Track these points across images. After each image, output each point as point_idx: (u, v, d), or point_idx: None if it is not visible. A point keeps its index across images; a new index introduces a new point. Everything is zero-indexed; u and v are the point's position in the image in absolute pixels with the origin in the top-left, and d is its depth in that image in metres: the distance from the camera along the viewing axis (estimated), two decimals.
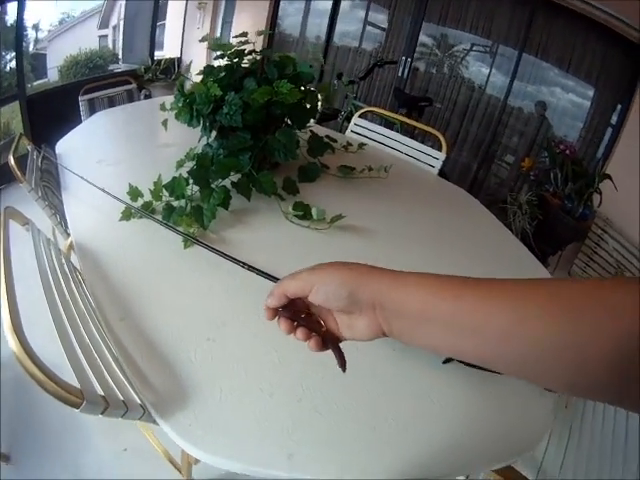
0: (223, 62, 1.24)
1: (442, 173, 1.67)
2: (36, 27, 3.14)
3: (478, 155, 2.99)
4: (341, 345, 0.40)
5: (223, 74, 1.21)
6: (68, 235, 1.08)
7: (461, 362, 0.74)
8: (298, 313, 0.41)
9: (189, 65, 1.33)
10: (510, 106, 2.84)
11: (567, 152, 2.45)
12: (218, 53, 1.24)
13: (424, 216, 1.27)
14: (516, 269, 1.09)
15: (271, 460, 0.59)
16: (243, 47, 1.24)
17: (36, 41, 3.18)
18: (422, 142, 1.75)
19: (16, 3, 2.67)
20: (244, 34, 1.26)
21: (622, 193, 2.28)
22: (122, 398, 0.63)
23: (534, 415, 0.70)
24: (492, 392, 0.73)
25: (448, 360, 0.75)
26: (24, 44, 2.97)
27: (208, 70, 1.23)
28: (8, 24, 2.76)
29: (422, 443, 0.64)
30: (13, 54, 2.79)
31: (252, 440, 0.62)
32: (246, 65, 1.26)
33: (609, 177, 2.31)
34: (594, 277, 1.94)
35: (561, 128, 2.76)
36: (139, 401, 0.65)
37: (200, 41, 1.31)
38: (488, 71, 2.92)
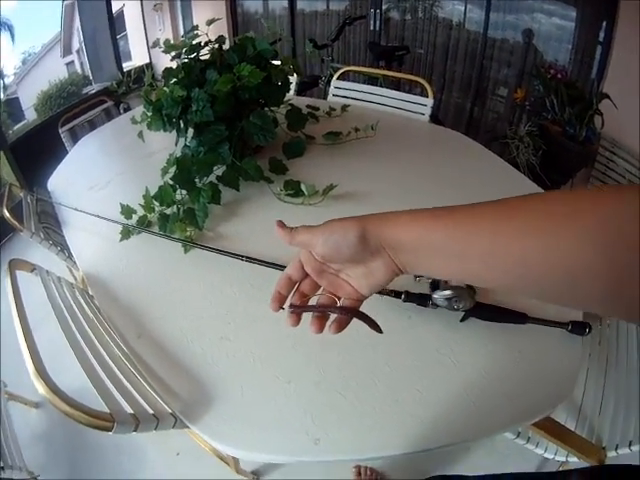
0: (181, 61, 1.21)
1: (435, 119, 1.61)
2: (0, 75, 3.14)
3: (469, 93, 2.86)
4: (352, 327, 0.40)
5: (182, 73, 1.17)
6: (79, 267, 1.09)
7: (478, 317, 0.71)
8: (306, 300, 0.41)
9: (150, 71, 1.29)
10: (492, 38, 2.70)
11: (559, 76, 2.34)
12: (173, 54, 1.21)
13: (420, 166, 1.23)
14: None
15: (298, 447, 0.60)
16: (197, 40, 1.20)
17: (4, 87, 3.18)
18: (409, 92, 1.68)
19: None
20: (194, 28, 1.23)
21: (623, 111, 2.14)
22: (152, 411, 0.65)
23: (564, 361, 0.66)
24: (515, 344, 0.69)
25: (465, 318, 0.72)
26: None
27: (167, 72, 1.20)
28: None
29: (449, 408, 0.62)
30: None
31: (278, 430, 0.62)
32: (207, 57, 1.22)
33: (607, 96, 2.18)
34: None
35: (549, 53, 2.62)
36: (169, 410, 0.67)
37: (152, 47, 1.27)
38: (464, 7, 2.78)
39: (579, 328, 0.68)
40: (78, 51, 3.60)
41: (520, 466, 1.21)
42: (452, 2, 2.84)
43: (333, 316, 0.40)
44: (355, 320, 0.40)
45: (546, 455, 0.88)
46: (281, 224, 0.41)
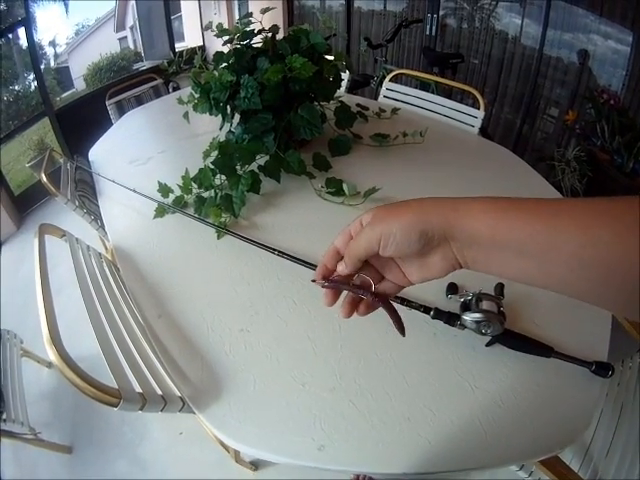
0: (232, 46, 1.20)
1: (484, 132, 1.54)
2: (53, 43, 3.25)
3: (520, 110, 2.75)
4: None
5: (233, 59, 1.16)
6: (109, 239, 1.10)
7: (504, 344, 0.69)
8: (347, 279, 0.38)
9: (200, 53, 1.28)
10: (547, 56, 2.60)
11: (611, 102, 2.22)
12: (226, 39, 1.20)
13: (465, 180, 1.17)
14: None
15: (302, 451, 0.58)
16: (250, 28, 1.19)
17: (56, 56, 3.29)
18: (460, 101, 1.61)
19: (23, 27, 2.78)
20: (248, 15, 1.21)
21: None
22: (160, 393, 0.65)
23: (581, 400, 0.63)
24: (535, 377, 0.66)
25: (490, 343, 0.69)
26: (44, 61, 3.10)
27: (218, 57, 1.19)
28: (23, 47, 2.88)
29: (459, 433, 0.59)
30: (33, 74, 2.91)
31: (284, 430, 0.61)
32: (259, 45, 1.21)
33: None
34: None
35: (603, 77, 2.50)
36: (178, 394, 0.67)
37: (204, 30, 1.26)
38: (520, 21, 2.69)
39: (602, 369, 0.65)
40: (132, 28, 3.69)
41: None
42: (510, 14, 2.75)
43: None
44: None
45: None
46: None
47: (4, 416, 1.23)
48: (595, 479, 0.82)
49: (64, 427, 1.55)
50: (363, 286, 0.38)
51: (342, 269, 0.37)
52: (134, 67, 3.64)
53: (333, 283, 0.38)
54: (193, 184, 1.07)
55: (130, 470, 1.39)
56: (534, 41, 2.63)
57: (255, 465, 1.31)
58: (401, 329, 0.38)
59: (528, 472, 0.81)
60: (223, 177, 1.05)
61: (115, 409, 0.57)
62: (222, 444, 1.23)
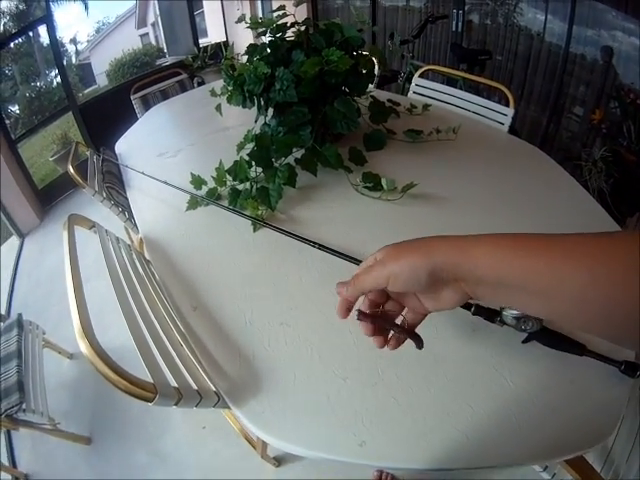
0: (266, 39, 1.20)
1: (513, 130, 1.51)
2: (74, 41, 3.30)
3: (547, 108, 2.71)
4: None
5: (268, 51, 1.16)
6: (138, 230, 1.10)
7: (540, 342, 0.68)
8: (376, 307, 0.42)
9: (231, 46, 1.28)
10: (573, 53, 2.55)
11: (638, 102, 2.16)
12: (260, 31, 1.19)
13: (498, 179, 1.15)
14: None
15: (343, 447, 0.57)
16: (284, 20, 1.18)
17: (77, 53, 3.33)
18: (487, 98, 1.59)
19: (45, 25, 2.82)
20: (282, 7, 1.20)
21: None
22: (196, 387, 0.63)
23: (610, 400, 0.62)
24: (568, 374, 0.65)
25: (527, 340, 0.69)
26: (66, 58, 3.16)
27: (252, 49, 1.19)
28: (45, 44, 2.93)
29: (496, 429, 0.58)
30: (55, 70, 2.97)
31: (324, 426, 0.60)
32: (291, 38, 1.20)
33: None
34: None
35: (628, 75, 2.43)
36: (214, 389, 0.65)
37: (236, 22, 1.26)
38: (544, 17, 2.63)
39: (630, 369, 0.65)
40: (153, 24, 3.72)
41: None
42: (533, 10, 2.71)
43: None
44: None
45: None
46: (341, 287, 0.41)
47: (24, 406, 1.24)
48: None
49: (83, 418, 1.56)
50: (389, 320, 0.42)
51: (344, 292, 0.40)
52: (157, 63, 3.67)
53: (367, 317, 0.40)
54: (227, 176, 1.07)
55: (150, 463, 1.39)
56: (559, 38, 2.59)
57: (278, 461, 1.31)
58: (419, 345, 0.42)
59: (551, 474, 0.81)
60: (259, 170, 1.04)
61: (150, 404, 0.54)
62: (248, 440, 1.24)
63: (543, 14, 2.66)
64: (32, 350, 1.46)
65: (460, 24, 2.82)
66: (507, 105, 1.51)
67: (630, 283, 0.25)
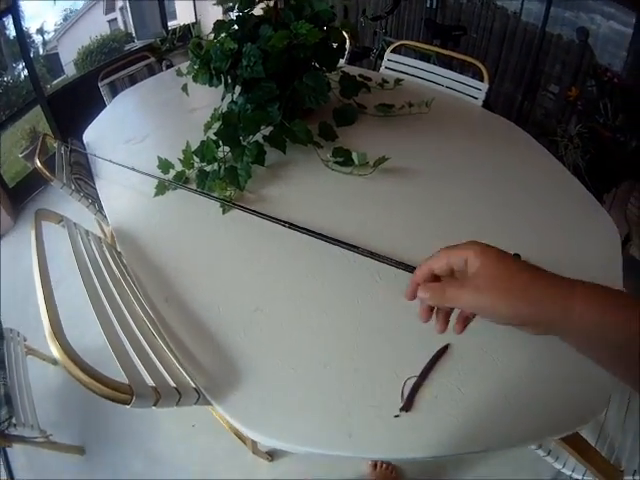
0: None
1: (487, 105, 1.51)
2: (41, 31, 3.15)
3: (521, 85, 2.74)
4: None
5: (235, 27, 1.12)
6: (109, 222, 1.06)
7: None
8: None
9: (198, 24, 1.24)
10: (549, 33, 2.59)
11: (615, 80, 2.22)
12: (227, 6, 1.15)
13: (472, 152, 1.15)
14: (572, 208, 0.94)
15: (331, 439, 0.56)
16: None
17: (44, 43, 3.19)
18: (461, 74, 1.58)
19: (11, 16, 2.69)
20: None
21: None
22: (174, 385, 0.60)
23: (600, 374, 0.62)
24: (557, 352, 0.64)
25: None
26: (33, 49, 3.01)
27: (219, 25, 1.14)
28: (11, 37, 2.80)
29: (486, 411, 0.58)
30: (23, 63, 2.84)
31: (309, 418, 0.58)
32: (261, 14, 1.16)
33: None
34: None
35: (604, 56, 2.49)
36: (192, 384, 0.62)
37: None
38: None
39: None
40: (122, 9, 3.57)
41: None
42: None
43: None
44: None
45: (563, 470, 0.84)
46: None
47: (14, 420, 1.16)
48: (612, 456, 0.83)
49: (74, 427, 1.51)
50: None
51: (423, 297, 0.37)
52: (126, 48, 3.52)
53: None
54: (195, 158, 1.03)
55: (146, 466, 1.36)
56: (536, 17, 2.61)
57: (271, 455, 1.29)
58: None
59: (547, 450, 0.83)
60: (226, 149, 1.01)
61: (127, 407, 0.52)
62: (238, 435, 1.21)
63: None
64: (15, 360, 1.37)
65: (435, 1, 2.80)
66: (481, 80, 1.50)
67: None
